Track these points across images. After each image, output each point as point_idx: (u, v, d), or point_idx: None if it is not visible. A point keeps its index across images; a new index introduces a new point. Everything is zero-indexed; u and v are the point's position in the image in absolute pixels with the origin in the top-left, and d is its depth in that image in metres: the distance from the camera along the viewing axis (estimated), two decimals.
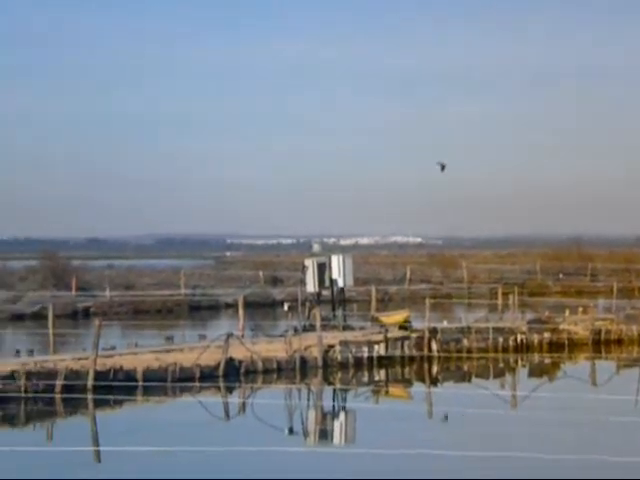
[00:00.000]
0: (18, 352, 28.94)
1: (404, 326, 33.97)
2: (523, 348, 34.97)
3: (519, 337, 35.08)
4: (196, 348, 29.25)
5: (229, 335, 28.49)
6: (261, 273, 70.16)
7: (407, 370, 32.05)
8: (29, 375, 24.54)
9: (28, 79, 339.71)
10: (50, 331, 31.69)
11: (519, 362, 33.74)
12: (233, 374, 28.16)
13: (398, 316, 34.97)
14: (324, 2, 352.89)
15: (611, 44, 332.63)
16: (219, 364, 27.79)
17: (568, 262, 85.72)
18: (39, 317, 46.24)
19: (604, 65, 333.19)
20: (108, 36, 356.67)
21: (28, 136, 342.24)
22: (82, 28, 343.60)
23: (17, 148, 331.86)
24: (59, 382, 24.67)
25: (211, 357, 27.98)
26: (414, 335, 33.11)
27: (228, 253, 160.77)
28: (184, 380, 26.76)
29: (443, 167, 39.70)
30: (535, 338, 35.39)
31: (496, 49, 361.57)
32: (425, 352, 32.66)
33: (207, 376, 27.46)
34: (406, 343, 32.58)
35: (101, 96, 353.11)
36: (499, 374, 31.90)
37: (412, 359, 32.52)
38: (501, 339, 34.59)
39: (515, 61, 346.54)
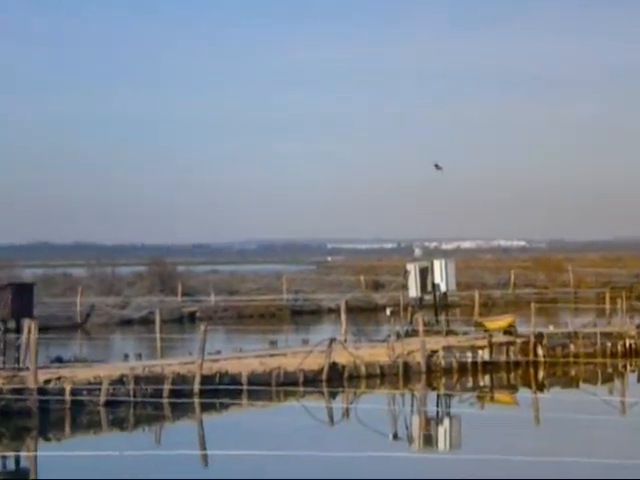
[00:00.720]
0: (127, 357, 29.56)
1: (509, 331, 33.54)
2: (632, 353, 34.17)
3: (628, 342, 34.28)
4: (299, 353, 29.43)
5: (332, 340, 28.60)
6: (362, 278, 70.16)
7: (512, 375, 31.64)
8: (137, 379, 25.04)
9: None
10: (157, 336, 32.26)
11: (628, 367, 33.00)
12: (336, 379, 28.24)
13: (502, 321, 34.54)
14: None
15: None
16: (322, 369, 27.90)
17: None
18: (147, 322, 47.17)
19: None
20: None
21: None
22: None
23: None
24: (166, 386, 25.13)
25: (314, 362, 28.12)
26: (519, 340, 32.68)
27: (329, 258, 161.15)
28: (288, 384, 26.95)
29: (438, 167, 38.59)
30: None
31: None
32: (531, 357, 32.21)
33: (310, 380, 27.60)
34: (511, 348, 32.19)
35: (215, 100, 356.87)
36: (607, 380, 31.24)
37: (517, 364, 32.10)
38: (609, 344, 33.87)
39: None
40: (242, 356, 29.66)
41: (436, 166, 38.22)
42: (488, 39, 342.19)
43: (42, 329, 26.97)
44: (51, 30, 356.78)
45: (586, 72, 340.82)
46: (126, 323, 51.13)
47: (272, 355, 29.83)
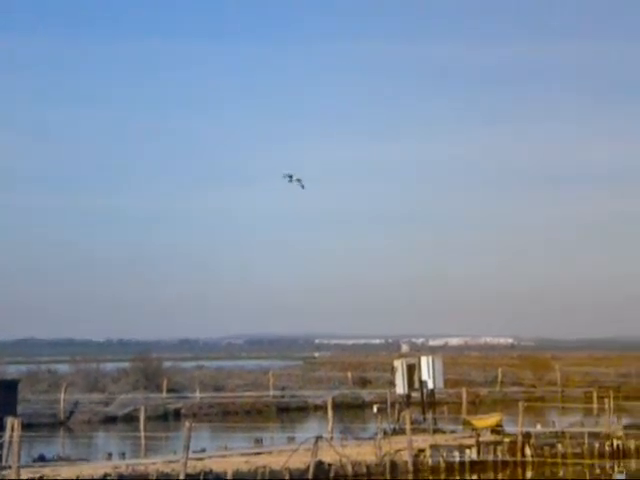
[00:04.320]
0: (110, 455, 29.19)
1: (496, 430, 33.34)
2: (619, 454, 33.90)
3: (615, 442, 34.05)
4: (285, 451, 29.13)
5: (318, 438, 28.33)
6: (350, 374, 69.83)
7: (500, 475, 31.30)
8: (121, 478, 24.70)
9: None
10: (141, 434, 31.92)
11: (615, 468, 32.70)
12: (323, 478, 27.89)
13: (490, 419, 34.36)
14: None
15: None
16: (308, 467, 27.59)
17: None
18: (131, 419, 46.70)
19: None
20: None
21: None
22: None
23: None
24: None
25: (300, 460, 27.81)
26: (507, 439, 32.44)
27: (317, 354, 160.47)
28: None
29: (291, 178, 35.69)
30: (632, 444, 34.30)
31: None
32: (518, 457, 31.92)
33: (297, 479, 27.27)
34: (499, 447, 31.92)
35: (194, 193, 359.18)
36: None
37: (505, 464, 31.78)
38: (597, 444, 33.63)
39: None
40: (227, 454, 29.34)
41: (289, 177, 35.54)
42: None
43: (25, 427, 26.65)
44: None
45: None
46: (110, 420, 50.55)
47: (258, 453, 29.53)
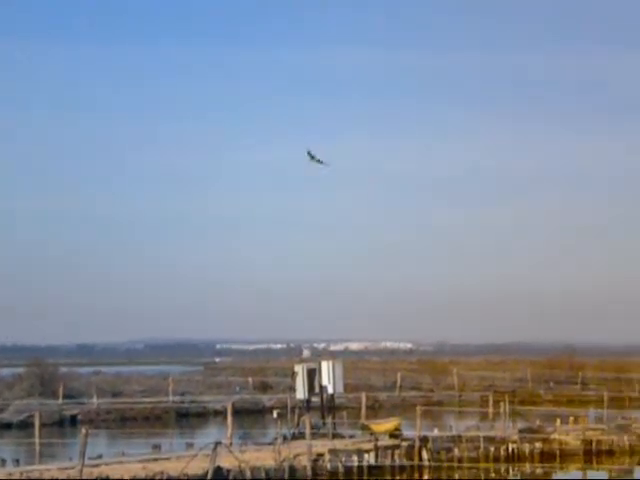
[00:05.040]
0: (4, 462, 28.51)
1: (395, 434, 33.65)
2: (514, 458, 34.61)
3: (510, 446, 34.75)
4: (183, 457, 28.88)
5: (217, 443, 28.16)
6: (250, 379, 69.74)
7: (397, 479, 31.63)
8: None
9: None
10: (36, 440, 31.30)
11: (510, 472, 33.36)
12: None
13: (389, 424, 34.66)
14: None
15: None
16: (207, 473, 27.40)
17: (559, 370, 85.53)
18: (26, 426, 45.74)
19: None
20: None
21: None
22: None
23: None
24: None
25: (199, 466, 27.60)
26: (405, 444, 32.79)
27: (218, 359, 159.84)
28: None
29: (312, 157, 35.31)
30: (526, 448, 35.06)
31: None
32: (416, 461, 32.28)
33: None
34: (396, 452, 32.23)
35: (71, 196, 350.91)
36: None
37: (403, 468, 32.11)
38: (492, 448, 34.26)
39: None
40: (124, 460, 28.95)
41: (310, 155, 34.78)
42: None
43: None
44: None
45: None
46: (4, 427, 49.38)
47: (156, 459, 29.20)
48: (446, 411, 55.64)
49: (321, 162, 34.27)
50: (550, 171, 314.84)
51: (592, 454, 36.23)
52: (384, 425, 34.72)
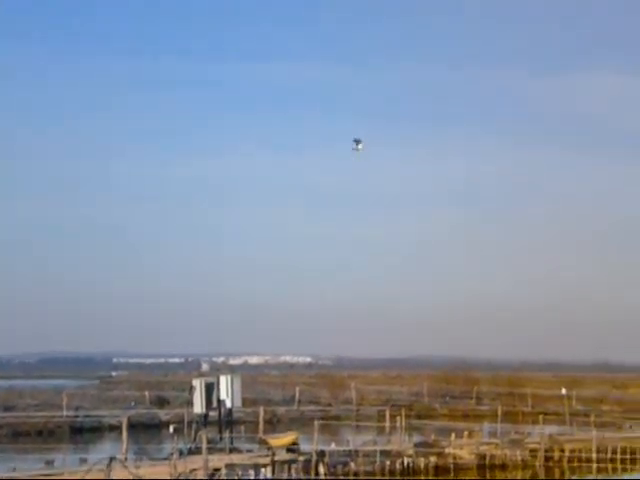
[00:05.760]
0: None
1: (292, 449, 33.68)
2: (410, 472, 34.99)
3: (406, 460, 35.13)
4: (77, 472, 28.36)
5: (111, 458, 27.73)
6: (147, 393, 68.86)
7: None
8: None
9: None
10: None
11: None
12: None
13: (286, 438, 34.67)
14: None
15: None
16: None
17: (455, 385, 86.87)
18: None
19: None
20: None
21: None
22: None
23: None
24: None
25: None
26: (302, 458, 32.83)
27: (114, 373, 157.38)
28: None
29: (357, 144, 36.94)
30: (421, 462, 35.51)
31: None
32: (312, 476, 32.36)
33: None
34: (293, 466, 32.26)
35: None
36: None
37: None
38: (388, 462, 34.58)
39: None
40: (16, 477, 28.27)
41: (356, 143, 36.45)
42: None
43: None
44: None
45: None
46: None
47: (48, 475, 28.62)
48: (344, 425, 55.90)
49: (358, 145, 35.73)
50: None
51: (486, 468, 36.89)
52: (281, 439, 34.72)
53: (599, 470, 39.10)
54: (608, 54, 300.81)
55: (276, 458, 32.10)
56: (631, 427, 52.72)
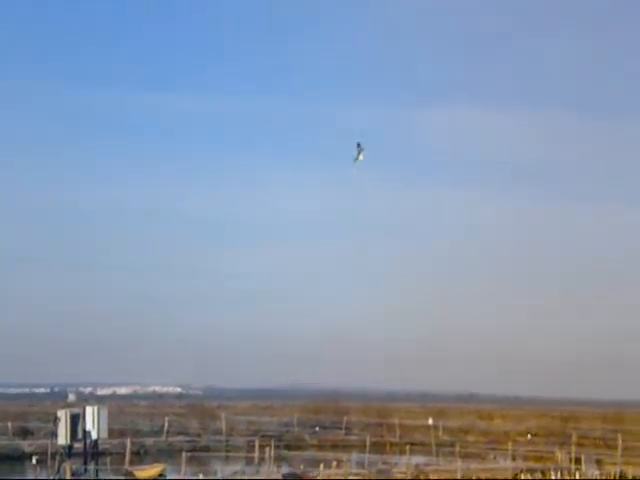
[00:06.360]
0: None
1: None
2: None
3: None
4: None
5: None
6: (10, 424, 66.82)
7: None
8: None
9: None
10: None
11: None
12: None
13: (152, 470, 34.35)
14: None
15: None
16: None
17: (325, 415, 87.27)
18: None
19: None
20: None
21: None
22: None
23: None
24: None
25: None
26: None
27: None
28: None
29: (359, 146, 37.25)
30: None
31: None
32: None
33: None
34: None
35: None
36: None
37: None
38: None
39: None
40: None
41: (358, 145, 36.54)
42: None
43: None
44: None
45: None
46: None
47: None
48: (213, 456, 55.47)
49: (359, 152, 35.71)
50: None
51: None
52: (148, 471, 34.37)
53: None
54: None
55: None
56: (495, 458, 54.03)
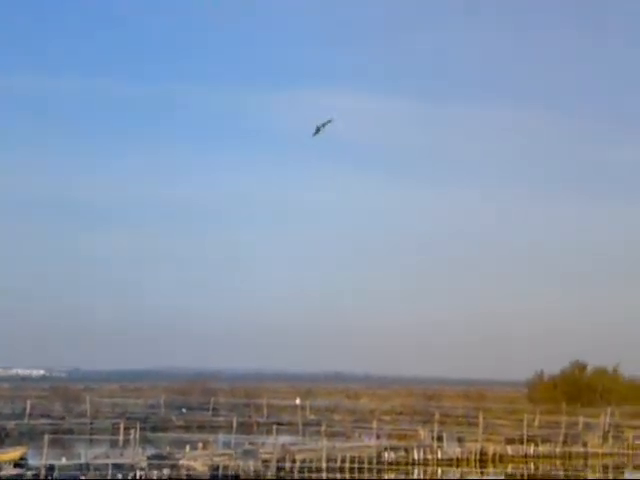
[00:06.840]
0: None
1: (19, 464, 32.61)
2: None
3: (138, 473, 34.76)
4: None
5: None
6: None
7: None
8: None
9: None
10: None
11: None
12: None
13: (13, 453, 33.59)
14: None
15: None
16: None
17: (192, 396, 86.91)
18: None
19: None
20: None
21: None
22: None
23: None
24: None
25: None
26: (30, 473, 31.81)
27: None
28: None
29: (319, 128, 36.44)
30: (154, 474, 35.25)
31: None
32: None
33: None
34: None
35: None
36: None
37: None
38: (120, 475, 34.09)
39: None
40: None
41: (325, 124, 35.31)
42: None
43: None
44: None
45: None
46: None
47: None
48: (77, 439, 54.52)
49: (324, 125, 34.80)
50: None
51: (219, 479, 37.15)
52: (8, 454, 33.61)
53: None
54: None
55: (2, 473, 30.93)
56: (360, 436, 54.84)
